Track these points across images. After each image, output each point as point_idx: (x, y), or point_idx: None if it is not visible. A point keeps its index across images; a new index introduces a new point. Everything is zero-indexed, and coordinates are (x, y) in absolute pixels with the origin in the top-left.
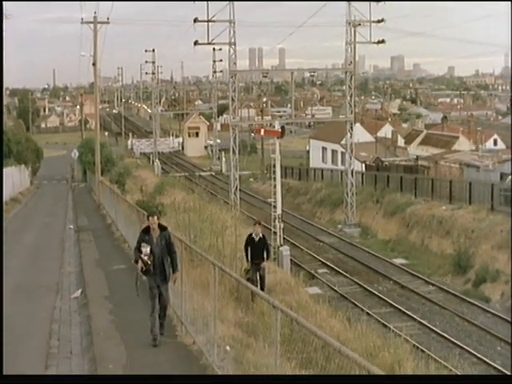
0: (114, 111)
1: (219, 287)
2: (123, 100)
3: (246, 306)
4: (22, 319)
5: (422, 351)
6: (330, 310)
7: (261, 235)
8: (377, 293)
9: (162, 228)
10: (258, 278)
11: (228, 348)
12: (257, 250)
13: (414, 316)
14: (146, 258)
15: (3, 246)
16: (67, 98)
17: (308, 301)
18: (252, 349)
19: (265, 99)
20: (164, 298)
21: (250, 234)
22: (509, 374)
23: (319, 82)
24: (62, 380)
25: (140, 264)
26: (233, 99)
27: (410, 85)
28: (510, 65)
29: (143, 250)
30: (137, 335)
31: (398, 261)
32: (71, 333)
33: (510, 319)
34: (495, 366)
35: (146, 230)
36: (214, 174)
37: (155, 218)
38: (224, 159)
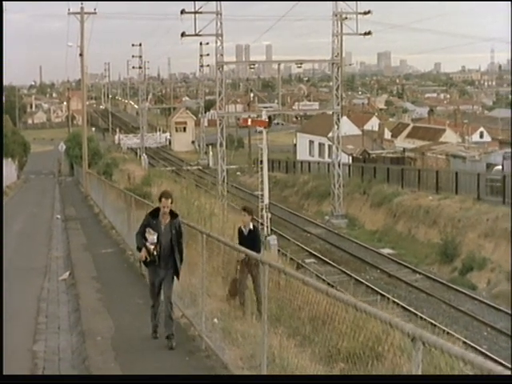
0: (101, 107)
1: (207, 266)
2: (110, 96)
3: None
4: (9, 299)
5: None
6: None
7: (251, 226)
8: (364, 281)
9: (173, 215)
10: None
11: (216, 320)
12: (246, 246)
13: (401, 303)
14: (151, 247)
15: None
16: (54, 95)
17: (294, 280)
18: (240, 321)
19: (252, 95)
20: (167, 291)
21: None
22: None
23: (306, 79)
24: (62, 380)
25: (143, 253)
26: (220, 91)
27: (397, 81)
28: (509, 60)
29: (149, 237)
30: (125, 311)
31: (385, 250)
32: (59, 310)
33: (496, 305)
34: (482, 350)
35: (154, 214)
36: (201, 168)
37: (169, 200)
38: (211, 153)
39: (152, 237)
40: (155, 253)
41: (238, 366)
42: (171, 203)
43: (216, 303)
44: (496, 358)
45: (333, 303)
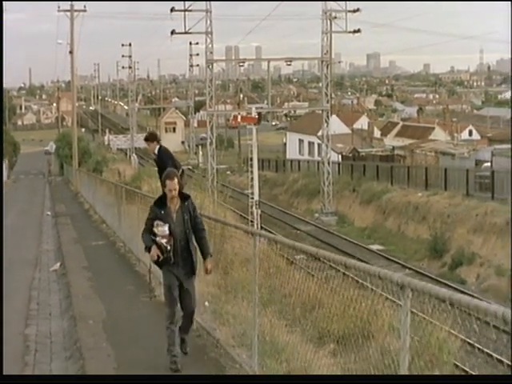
0: (91, 108)
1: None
2: (100, 97)
3: (224, 272)
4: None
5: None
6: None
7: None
8: (354, 277)
9: (184, 196)
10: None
11: (207, 304)
12: (161, 165)
13: (391, 297)
14: (164, 241)
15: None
16: (43, 97)
17: (285, 267)
18: (231, 303)
19: (241, 95)
20: (189, 301)
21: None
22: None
23: (295, 80)
24: (61, 380)
25: (155, 251)
26: (209, 88)
27: (386, 81)
28: (509, 60)
29: (158, 229)
30: (116, 296)
31: (375, 247)
32: (50, 298)
33: (485, 300)
34: (471, 342)
35: (161, 202)
36: (191, 167)
37: (175, 180)
38: (201, 153)
39: (162, 228)
40: (169, 247)
41: (229, 344)
42: (179, 184)
43: (207, 287)
44: (486, 350)
45: (321, 288)
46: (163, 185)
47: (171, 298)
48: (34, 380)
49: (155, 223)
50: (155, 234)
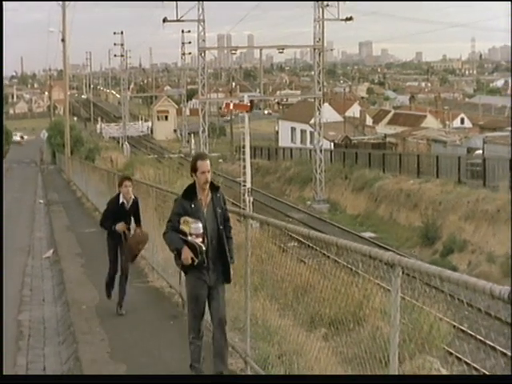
0: (83, 97)
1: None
2: (92, 86)
3: None
4: None
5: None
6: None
7: (133, 197)
8: (345, 263)
9: (214, 187)
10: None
11: None
12: (125, 218)
13: (382, 284)
14: (198, 240)
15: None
16: (35, 85)
17: (277, 253)
18: None
19: (234, 84)
20: (217, 308)
21: (117, 197)
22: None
23: (288, 68)
24: (61, 380)
25: (188, 254)
26: (202, 76)
27: (378, 69)
28: (501, 48)
29: (191, 227)
30: None
31: (367, 234)
32: (43, 284)
33: None
34: (463, 328)
35: (190, 195)
36: (183, 156)
37: (208, 161)
38: (193, 141)
39: (195, 225)
40: (203, 247)
41: None
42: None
43: None
44: (476, 336)
45: (313, 274)
46: (193, 169)
47: (197, 311)
48: (34, 380)
49: (182, 220)
50: (184, 233)
